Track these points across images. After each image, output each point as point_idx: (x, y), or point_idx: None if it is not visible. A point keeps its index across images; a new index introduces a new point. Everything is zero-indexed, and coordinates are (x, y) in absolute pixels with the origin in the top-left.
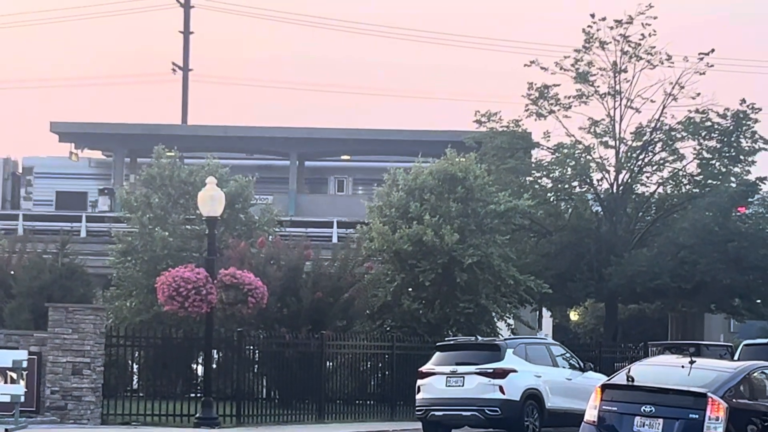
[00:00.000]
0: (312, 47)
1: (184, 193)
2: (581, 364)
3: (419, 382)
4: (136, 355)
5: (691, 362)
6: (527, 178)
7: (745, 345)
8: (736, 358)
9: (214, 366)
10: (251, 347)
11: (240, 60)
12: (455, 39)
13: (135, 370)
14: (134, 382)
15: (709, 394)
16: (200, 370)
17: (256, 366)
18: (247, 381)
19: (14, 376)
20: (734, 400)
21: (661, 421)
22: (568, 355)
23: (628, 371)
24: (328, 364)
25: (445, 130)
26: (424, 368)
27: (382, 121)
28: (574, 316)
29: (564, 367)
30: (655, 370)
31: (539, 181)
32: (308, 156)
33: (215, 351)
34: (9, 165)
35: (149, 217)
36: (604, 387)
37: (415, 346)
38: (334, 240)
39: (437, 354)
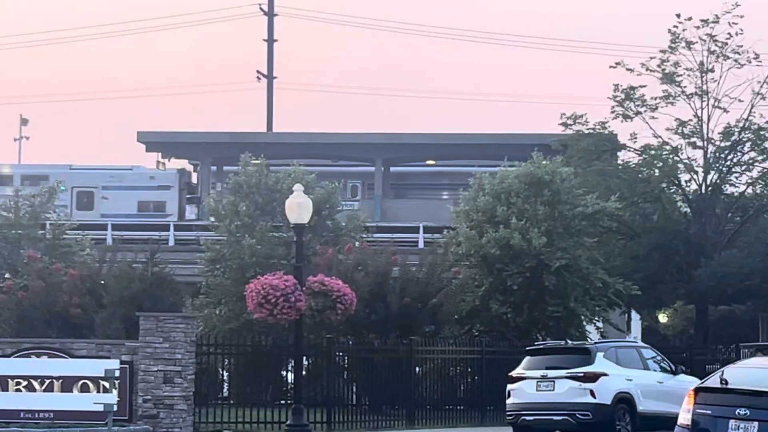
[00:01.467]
0: (393, 51)
1: (271, 200)
2: (672, 367)
3: (509, 386)
4: (226, 362)
5: None
6: (614, 180)
7: None
8: None
9: (304, 373)
10: (340, 353)
11: (324, 66)
12: (541, 41)
13: (225, 377)
14: (225, 390)
15: None
16: (290, 377)
17: (346, 372)
18: (337, 387)
19: (107, 385)
20: None
21: (756, 424)
22: (658, 358)
23: (722, 374)
24: (417, 369)
25: (531, 134)
26: (513, 373)
27: (467, 125)
28: (663, 318)
29: (655, 371)
30: (749, 372)
31: (627, 183)
32: (393, 161)
33: (305, 358)
34: (184, 176)
35: (237, 225)
36: (698, 390)
37: (504, 351)
38: (421, 245)
39: (527, 358)
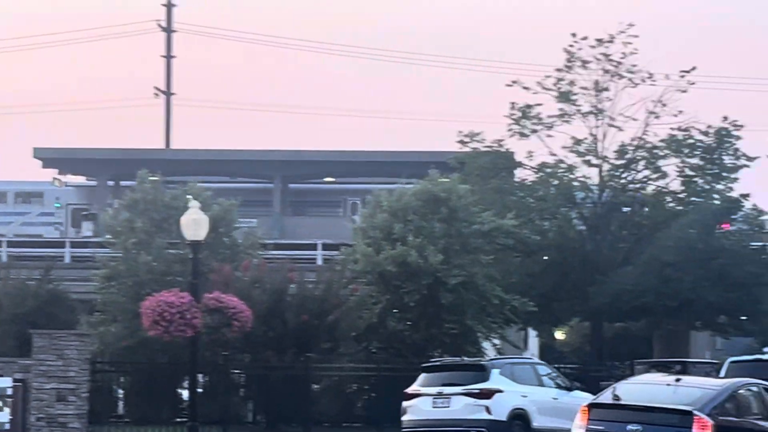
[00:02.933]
0: (293, 69)
1: (168, 217)
2: (567, 384)
3: (405, 403)
4: (122, 380)
5: (677, 380)
6: (511, 198)
7: (732, 362)
8: (722, 375)
9: (200, 390)
10: (237, 371)
11: (223, 83)
12: (438, 59)
13: (121, 395)
14: (120, 408)
15: (695, 411)
16: (186, 394)
17: (242, 390)
18: (233, 405)
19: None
20: (720, 418)
21: None
22: (554, 374)
23: (614, 390)
24: (314, 386)
25: (428, 151)
26: (410, 389)
27: (366, 143)
28: (560, 335)
29: (550, 387)
30: (641, 388)
31: (523, 200)
32: (292, 179)
33: (201, 375)
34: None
35: (133, 242)
36: (591, 406)
37: (401, 368)
38: (319, 262)
39: (423, 375)
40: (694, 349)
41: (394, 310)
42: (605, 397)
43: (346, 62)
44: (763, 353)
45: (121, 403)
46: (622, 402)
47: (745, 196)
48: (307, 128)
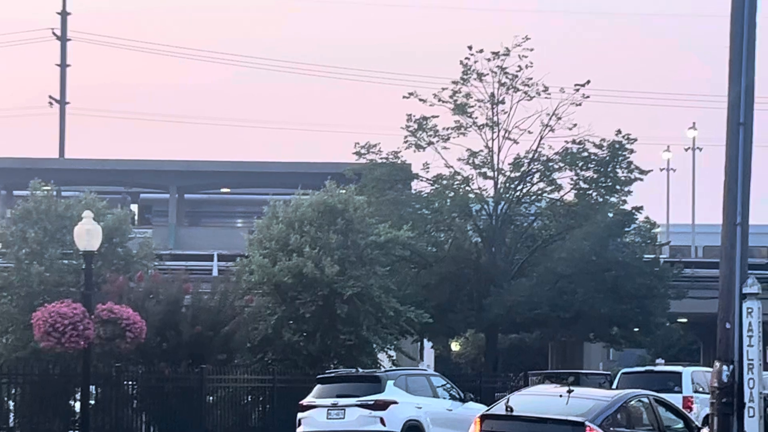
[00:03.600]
0: (191, 79)
1: (61, 227)
2: (462, 395)
3: (300, 415)
4: (13, 392)
5: (569, 391)
6: (407, 209)
7: (623, 373)
8: (614, 386)
9: (93, 402)
10: (130, 382)
11: (119, 93)
12: (337, 71)
13: (12, 407)
14: (11, 420)
15: (586, 422)
16: (78, 406)
17: (135, 401)
18: (126, 417)
19: None
20: (612, 429)
21: None
22: (448, 385)
23: (507, 401)
24: (208, 398)
25: (325, 162)
26: (304, 401)
27: (264, 154)
28: (455, 346)
29: (445, 398)
30: (533, 399)
31: (419, 212)
32: (188, 189)
33: (94, 387)
34: None
35: (25, 252)
36: (484, 417)
37: (297, 379)
38: (215, 273)
39: (318, 386)
40: (587, 360)
41: (290, 322)
42: (498, 408)
43: (247, 73)
44: (655, 365)
45: (12, 415)
46: (514, 413)
47: (638, 209)
48: (204, 139)
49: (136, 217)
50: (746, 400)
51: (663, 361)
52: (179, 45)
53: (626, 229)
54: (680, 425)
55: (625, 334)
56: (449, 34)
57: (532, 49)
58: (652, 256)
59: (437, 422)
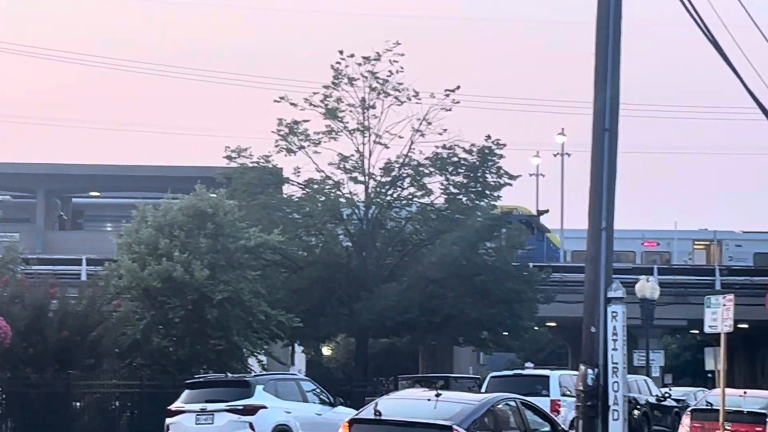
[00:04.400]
0: (58, 82)
1: None
2: (332, 399)
3: (168, 420)
4: None
5: (437, 395)
6: (278, 214)
7: (492, 377)
8: (483, 390)
9: None
10: None
11: None
12: (211, 74)
13: None
14: None
15: (454, 426)
16: None
17: (0, 407)
18: None
19: None
20: None
21: None
22: (318, 390)
23: (376, 405)
24: (75, 404)
25: (196, 166)
26: (173, 406)
27: (134, 157)
28: (327, 350)
29: (315, 403)
30: (402, 403)
31: (290, 216)
32: (57, 192)
33: None
34: None
35: None
36: (352, 422)
37: (166, 384)
38: (83, 278)
39: (186, 392)
40: (458, 364)
41: (159, 326)
42: (367, 412)
43: (118, 76)
44: (524, 368)
45: None
46: (383, 417)
47: (508, 213)
48: (75, 142)
49: None
50: (611, 403)
51: (532, 365)
52: (44, 46)
53: (496, 234)
54: (547, 428)
55: (494, 338)
56: (324, 38)
57: (402, 54)
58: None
59: (307, 427)
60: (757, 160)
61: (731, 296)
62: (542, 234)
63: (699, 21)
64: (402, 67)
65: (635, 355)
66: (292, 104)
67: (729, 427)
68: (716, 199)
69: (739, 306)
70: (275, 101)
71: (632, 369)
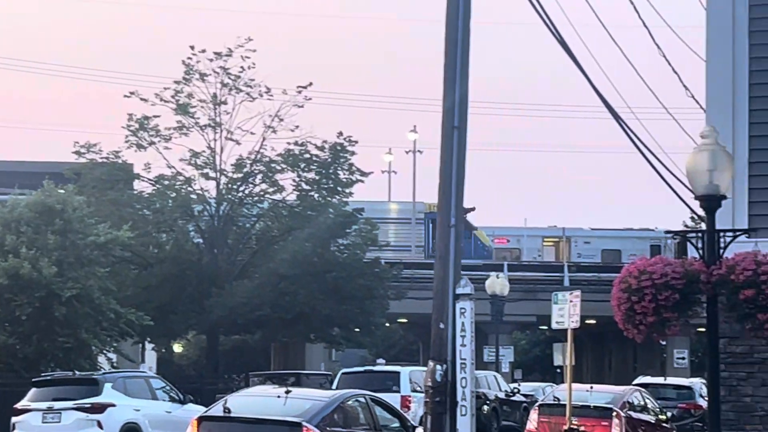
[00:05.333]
0: None
1: None
2: (181, 397)
3: (14, 419)
4: None
5: (287, 392)
6: (128, 210)
7: (344, 373)
8: (334, 386)
9: None
10: None
11: None
12: (57, 69)
13: None
14: None
15: (303, 423)
16: None
17: None
18: None
19: None
20: (329, 429)
21: None
22: (168, 387)
23: (225, 402)
24: None
25: (43, 161)
26: (19, 405)
27: None
28: (178, 348)
29: (164, 400)
30: (252, 401)
31: (140, 212)
32: None
33: None
34: None
35: None
36: (201, 419)
37: (11, 383)
38: None
39: (33, 390)
40: (310, 361)
41: (5, 324)
42: (216, 409)
43: None
44: (376, 364)
45: None
46: (232, 414)
47: (359, 210)
48: None
49: None
50: (459, 398)
51: (383, 361)
52: None
53: (347, 231)
54: (396, 424)
55: (345, 335)
56: (175, 33)
57: (254, 50)
58: (373, 257)
59: (156, 424)
60: (605, 159)
61: (578, 292)
62: (470, 232)
63: (547, 20)
64: (254, 63)
65: (485, 351)
66: (142, 99)
67: (575, 422)
68: (565, 196)
69: (587, 302)
70: (126, 96)
71: (482, 365)
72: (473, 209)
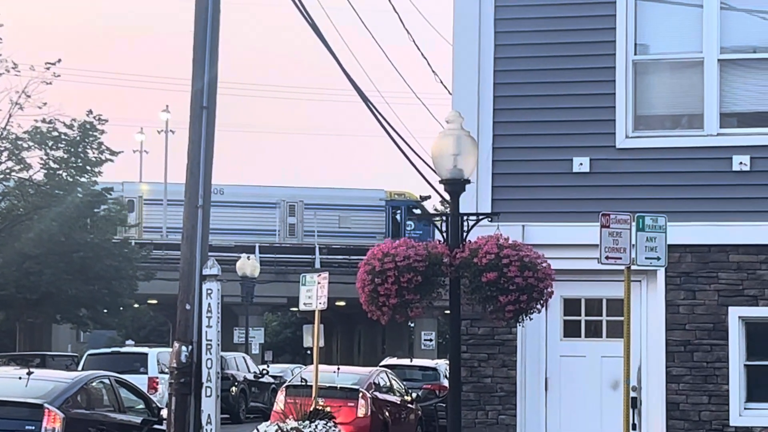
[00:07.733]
0: None
1: None
2: None
3: None
4: None
5: (29, 373)
6: None
7: (90, 354)
8: (80, 368)
9: None
10: None
11: None
12: None
13: None
14: None
15: (45, 404)
16: None
17: None
18: None
19: None
20: (72, 410)
21: None
22: None
23: None
24: None
25: None
26: None
27: None
28: None
29: None
30: None
31: None
32: None
33: None
34: None
35: None
36: None
37: None
38: None
39: None
40: (56, 342)
41: None
42: None
43: None
44: (125, 346)
45: None
46: None
47: (109, 190)
48: None
49: None
50: (204, 380)
51: (132, 343)
52: None
53: (97, 210)
54: (141, 405)
55: (92, 316)
56: None
57: (1, 25)
58: (122, 237)
59: None
60: (361, 142)
61: (326, 274)
62: (429, 219)
63: (298, 2)
64: (0, 38)
65: (235, 333)
66: None
67: (322, 402)
68: (319, 179)
69: (337, 284)
70: None
71: (232, 346)
72: (429, 197)
